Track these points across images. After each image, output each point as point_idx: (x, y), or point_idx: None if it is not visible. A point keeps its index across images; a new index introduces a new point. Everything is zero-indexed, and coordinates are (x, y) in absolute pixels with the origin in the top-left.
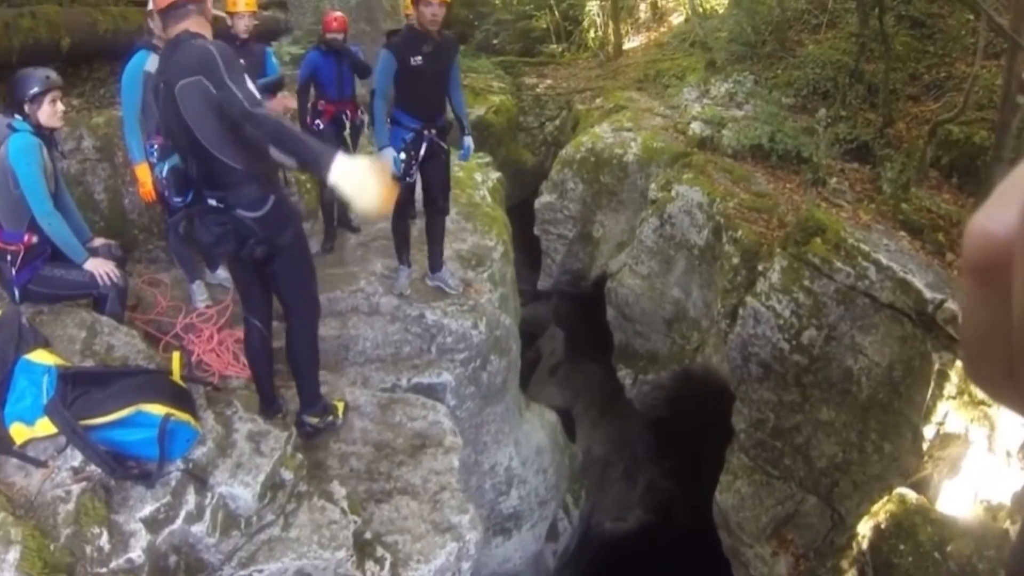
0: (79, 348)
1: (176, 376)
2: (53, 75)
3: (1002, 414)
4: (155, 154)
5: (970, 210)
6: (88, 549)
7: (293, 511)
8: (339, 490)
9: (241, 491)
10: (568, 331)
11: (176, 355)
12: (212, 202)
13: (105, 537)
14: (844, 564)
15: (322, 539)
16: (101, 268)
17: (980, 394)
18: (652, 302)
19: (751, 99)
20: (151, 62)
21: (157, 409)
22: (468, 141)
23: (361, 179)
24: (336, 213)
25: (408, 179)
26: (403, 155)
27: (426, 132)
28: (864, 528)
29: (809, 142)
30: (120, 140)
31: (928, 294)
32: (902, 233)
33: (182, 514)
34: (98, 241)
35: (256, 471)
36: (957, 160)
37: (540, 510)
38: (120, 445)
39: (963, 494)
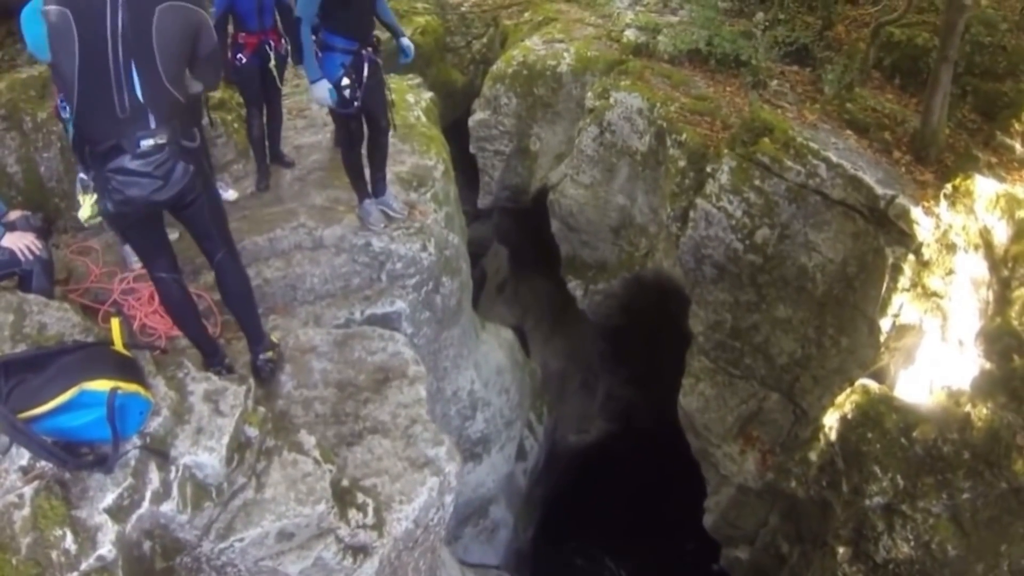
0: (8, 334)
1: (118, 345)
2: None
3: (954, 305)
4: (66, 110)
5: (914, 109)
6: (54, 555)
7: (264, 469)
8: (308, 439)
9: (207, 458)
10: (512, 248)
11: (115, 322)
12: (148, 142)
13: (69, 538)
14: (812, 456)
15: (299, 495)
16: (20, 242)
17: (933, 286)
18: (596, 211)
19: (686, 4)
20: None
21: (101, 385)
22: (406, 41)
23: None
24: (268, 150)
25: (355, 104)
26: (346, 80)
27: (364, 52)
28: (830, 419)
29: (747, 45)
30: (27, 105)
31: (879, 190)
32: (848, 132)
33: (148, 495)
34: (14, 215)
35: (219, 433)
36: (899, 61)
37: (507, 431)
38: (68, 432)
39: (919, 382)
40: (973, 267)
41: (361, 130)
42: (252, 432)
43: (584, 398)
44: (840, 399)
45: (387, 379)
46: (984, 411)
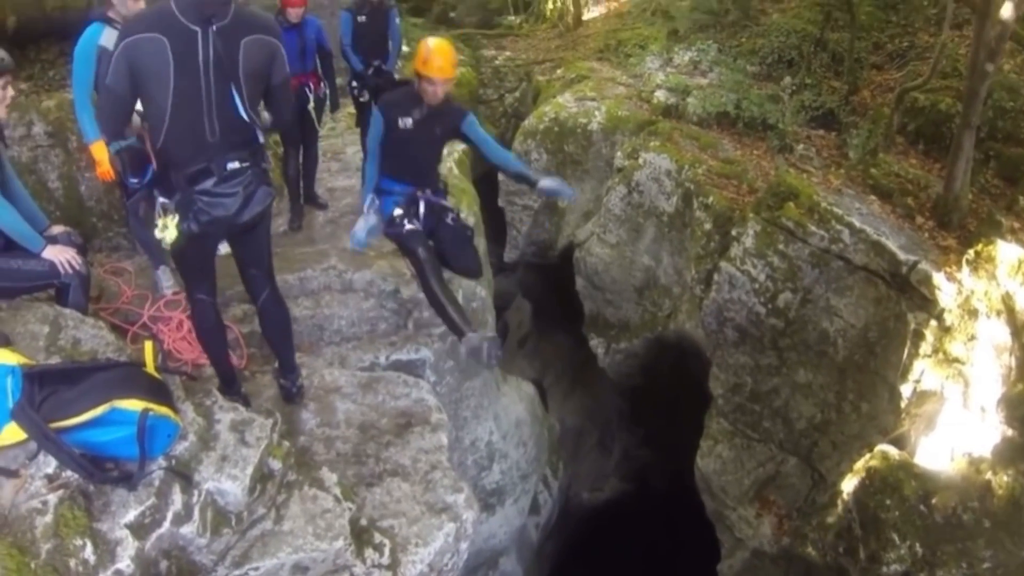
0: (43, 344)
1: (150, 367)
2: (4, 56)
3: (976, 371)
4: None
5: (937, 174)
6: (72, 563)
7: (284, 502)
8: (330, 477)
9: (229, 485)
10: (535, 303)
11: (148, 345)
12: (234, 165)
13: (89, 548)
14: (829, 521)
15: (317, 530)
16: (61, 255)
17: (954, 352)
18: (622, 270)
19: (715, 67)
20: (106, 36)
21: (133, 404)
22: (546, 184)
23: None
24: (302, 190)
25: (409, 225)
26: (398, 210)
27: (419, 194)
28: (848, 485)
29: (775, 109)
30: (73, 124)
31: (902, 255)
32: (872, 197)
33: (169, 515)
34: (56, 229)
35: (243, 463)
36: (923, 127)
37: (522, 484)
38: (96, 446)
39: (940, 449)
40: (995, 333)
41: (431, 260)
42: (275, 465)
43: (600, 456)
44: (859, 465)
45: (409, 424)
46: (1005, 479)
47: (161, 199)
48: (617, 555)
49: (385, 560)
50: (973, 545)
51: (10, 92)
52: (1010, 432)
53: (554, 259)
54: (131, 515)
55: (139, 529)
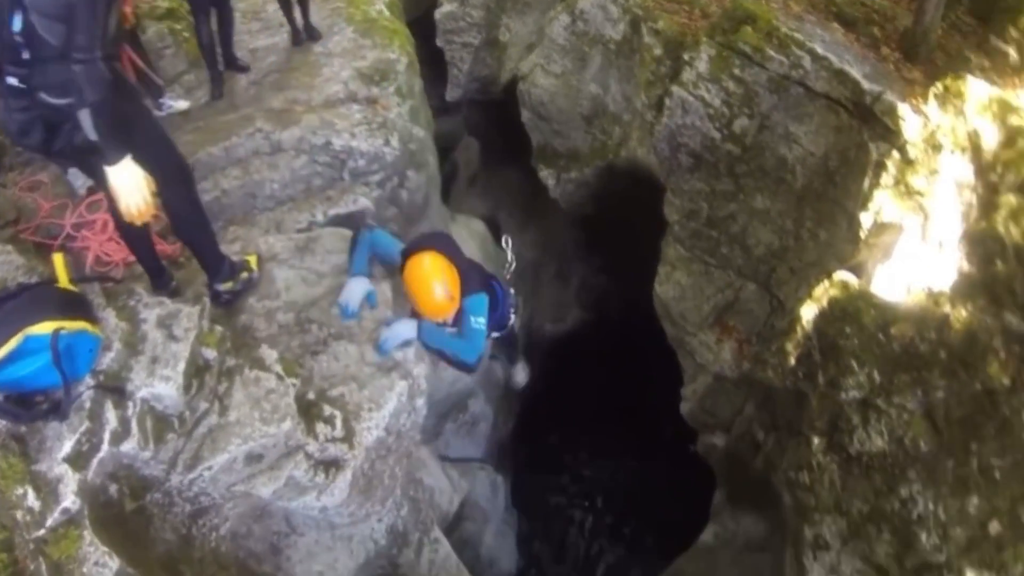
0: None
1: (63, 282)
2: None
3: (936, 206)
4: None
5: (906, 7)
6: (19, 515)
7: (227, 391)
8: (270, 354)
9: (164, 388)
10: (482, 140)
11: (57, 258)
12: (12, 81)
13: (31, 495)
14: (788, 347)
15: (263, 414)
16: None
17: (916, 185)
18: (568, 100)
19: None
20: None
21: (44, 328)
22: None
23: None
24: (221, 56)
25: None
26: None
27: None
28: (807, 312)
29: None
30: None
31: (866, 85)
32: (835, 25)
33: (106, 436)
34: None
35: (175, 360)
36: None
37: None
38: (18, 383)
39: (896, 280)
40: (959, 169)
41: None
42: (210, 354)
43: (559, 287)
44: (818, 292)
45: None
46: (963, 313)
47: None
48: (584, 384)
49: (339, 432)
50: (929, 375)
51: None
52: (969, 268)
53: (498, 94)
54: (67, 447)
55: (77, 459)
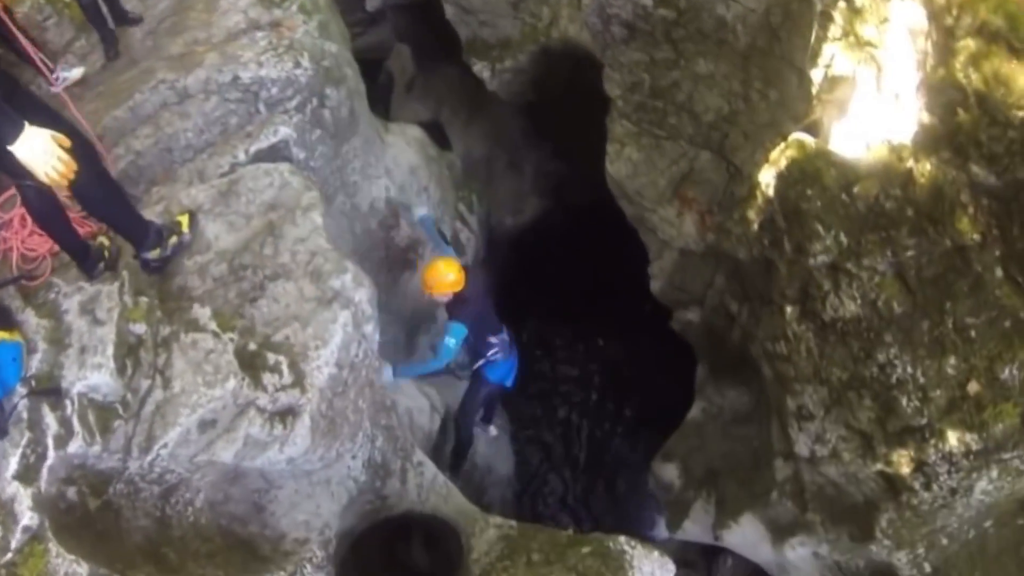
0: None
1: None
2: None
3: (889, 56)
4: None
5: None
6: None
7: (166, 363)
8: (203, 312)
9: (98, 376)
10: (413, 44)
11: None
12: None
13: None
14: (751, 214)
15: (207, 378)
16: None
17: (866, 35)
18: None
19: None
20: None
21: None
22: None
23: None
24: (108, 14)
25: None
26: None
27: None
28: (766, 176)
29: None
30: None
31: None
32: None
33: (50, 443)
34: None
35: (102, 345)
36: None
37: None
38: None
39: (854, 136)
40: (910, 15)
41: None
42: (139, 328)
43: (514, 178)
44: (775, 155)
45: (282, 216)
46: (927, 167)
47: None
48: (554, 273)
49: (287, 379)
50: (897, 234)
51: None
52: (930, 119)
53: None
54: (13, 464)
55: (27, 474)
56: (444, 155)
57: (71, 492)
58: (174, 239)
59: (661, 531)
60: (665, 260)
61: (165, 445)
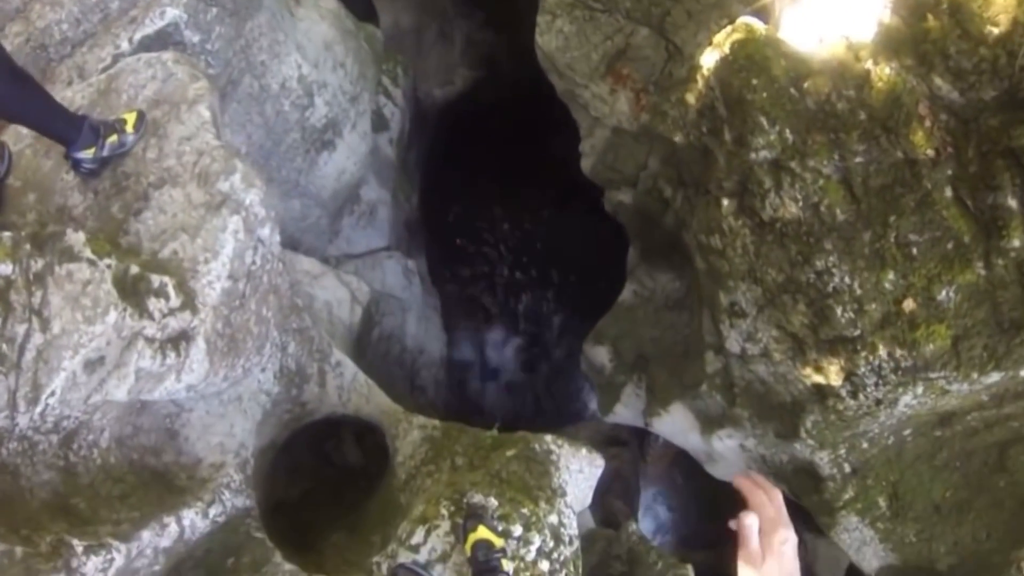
0: None
1: None
2: None
3: None
4: None
5: None
6: None
7: (42, 301)
8: (77, 239)
9: None
10: None
11: None
12: None
13: None
14: (690, 99)
15: (85, 313)
16: None
17: None
18: None
19: None
20: None
21: None
22: None
23: None
24: None
25: None
26: None
27: None
28: (708, 59)
29: None
30: None
31: None
32: None
33: None
34: None
35: None
36: None
37: (354, 107)
38: None
39: (808, 27)
40: None
41: None
42: (6, 268)
43: (443, 48)
44: (719, 38)
45: (167, 112)
46: (886, 71)
47: None
48: (484, 148)
49: (175, 302)
50: (847, 137)
51: None
52: (894, 20)
53: None
54: None
55: None
56: (363, 27)
57: None
58: (114, 138)
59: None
60: (596, 138)
61: (53, 393)
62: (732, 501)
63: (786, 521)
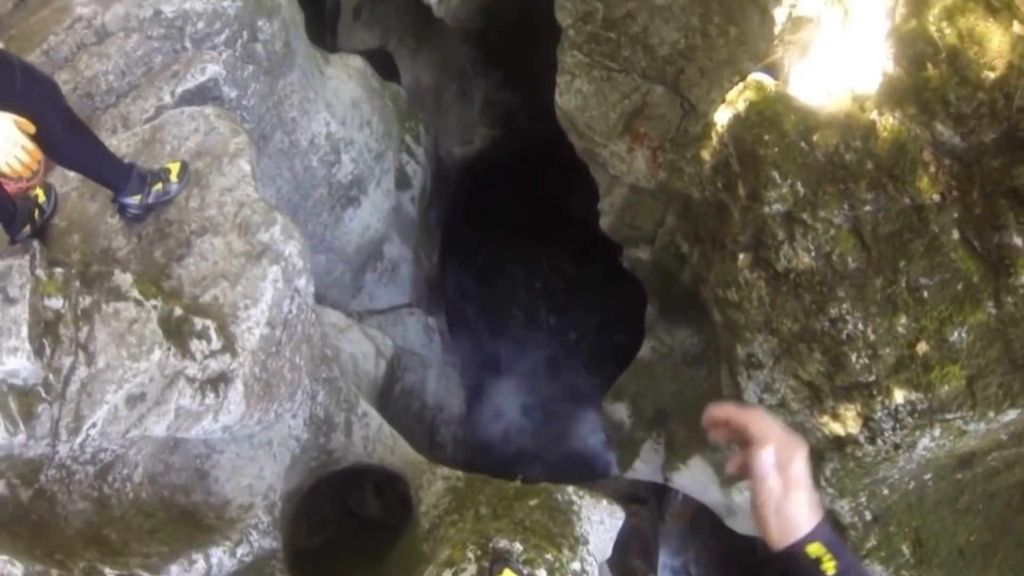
0: None
1: None
2: None
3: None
4: None
5: None
6: None
7: (88, 336)
8: (124, 279)
9: (14, 361)
10: None
11: None
12: None
13: None
14: (705, 155)
15: (131, 350)
16: None
17: None
18: None
19: None
20: None
21: None
22: None
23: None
24: None
25: None
26: None
27: None
28: (722, 116)
29: None
30: None
31: None
32: None
33: None
34: None
35: (16, 326)
36: None
37: (379, 164)
38: None
39: (816, 81)
40: None
41: None
42: (56, 303)
43: (463, 107)
44: (732, 95)
45: (208, 164)
46: (891, 120)
47: None
48: (504, 205)
49: (216, 344)
50: (856, 187)
51: None
52: (896, 71)
53: None
54: None
55: None
56: (388, 86)
57: (7, 496)
58: (159, 186)
59: (614, 467)
60: (615, 196)
61: (94, 425)
62: (752, 561)
63: (797, 437)
